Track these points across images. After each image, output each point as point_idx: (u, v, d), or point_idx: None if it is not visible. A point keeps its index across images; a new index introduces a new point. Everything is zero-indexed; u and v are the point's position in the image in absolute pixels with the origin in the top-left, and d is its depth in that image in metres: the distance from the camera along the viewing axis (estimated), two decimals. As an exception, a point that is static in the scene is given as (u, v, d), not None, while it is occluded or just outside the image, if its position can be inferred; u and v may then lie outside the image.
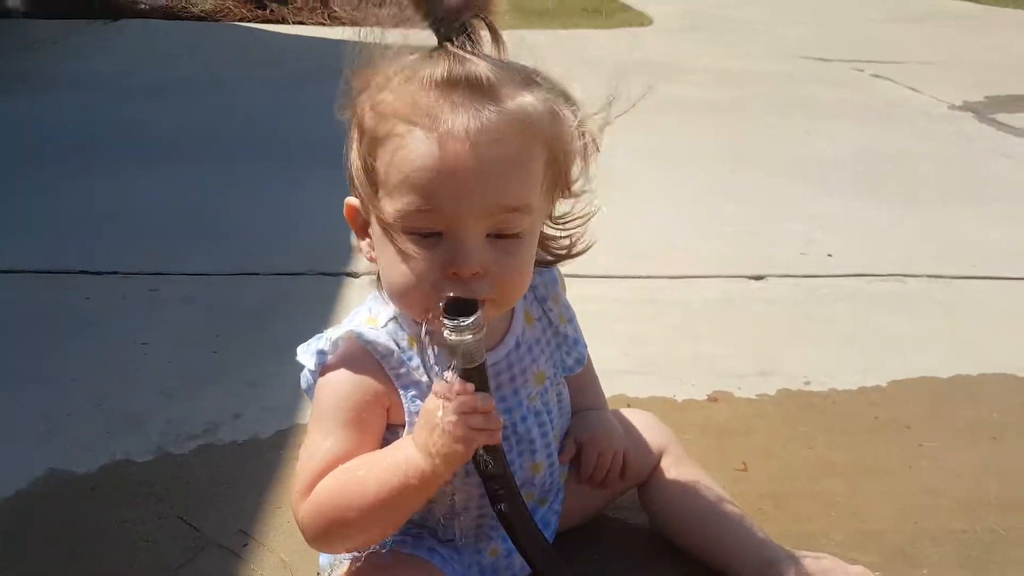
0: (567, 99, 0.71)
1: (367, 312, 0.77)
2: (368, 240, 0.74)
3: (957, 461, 1.07)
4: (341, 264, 1.65)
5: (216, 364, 1.29)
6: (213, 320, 1.44)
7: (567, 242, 0.79)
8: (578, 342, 0.85)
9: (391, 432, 0.75)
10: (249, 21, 4.96)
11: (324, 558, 0.83)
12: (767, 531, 0.86)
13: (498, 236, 0.68)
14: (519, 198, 0.68)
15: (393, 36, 0.71)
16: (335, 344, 0.75)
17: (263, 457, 1.06)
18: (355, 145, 0.71)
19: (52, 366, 1.27)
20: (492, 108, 0.66)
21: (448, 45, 0.68)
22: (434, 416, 0.66)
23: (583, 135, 0.72)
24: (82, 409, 1.16)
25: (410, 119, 0.66)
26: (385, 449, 0.72)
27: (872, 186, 2.17)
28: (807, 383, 1.25)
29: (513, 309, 0.79)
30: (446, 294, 0.67)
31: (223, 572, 0.87)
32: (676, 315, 1.47)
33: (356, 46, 0.70)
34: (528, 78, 0.69)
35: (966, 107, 3.04)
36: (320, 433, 0.73)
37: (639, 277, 1.61)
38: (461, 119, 0.65)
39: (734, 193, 2.12)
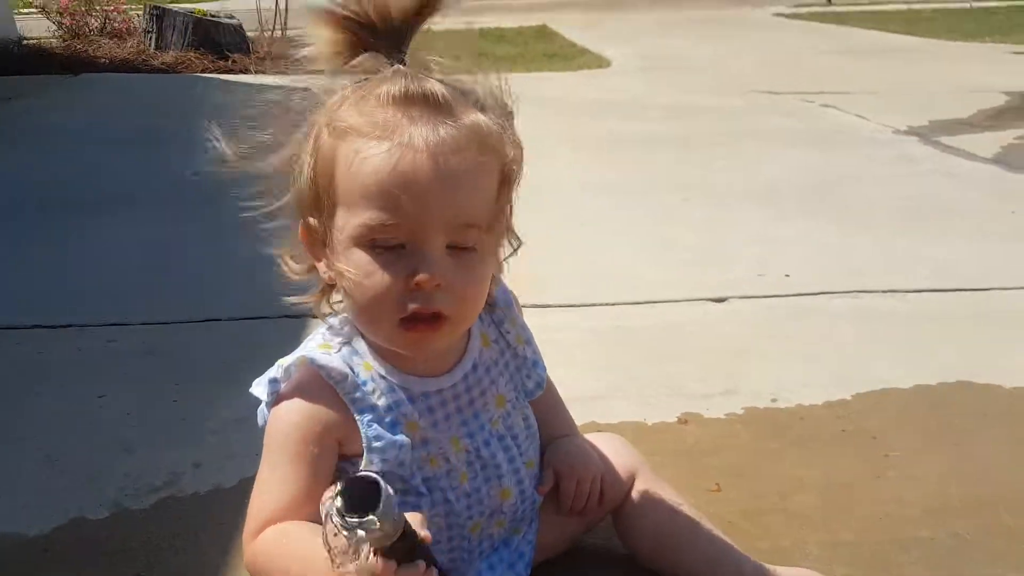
0: (511, 123, 0.73)
1: (320, 339, 0.77)
2: (324, 261, 0.73)
3: (922, 469, 1.08)
4: (304, 307, 1.63)
5: (176, 413, 1.25)
6: (173, 369, 1.41)
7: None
8: (537, 364, 0.85)
9: (350, 463, 0.73)
10: (211, 72, 4.98)
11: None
12: (743, 549, 0.86)
13: (457, 249, 0.69)
14: (476, 210, 0.70)
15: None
16: (287, 372, 0.74)
17: (227, 506, 1.02)
18: (308, 165, 0.71)
19: (0, 424, 1.23)
20: (449, 123, 0.67)
21: (400, 67, 0.70)
22: None
23: (519, 161, 0.74)
24: (33, 467, 1.11)
25: (369, 133, 0.67)
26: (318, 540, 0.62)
27: (823, 209, 2.23)
28: (774, 400, 1.26)
29: (469, 331, 0.78)
30: (410, 307, 0.68)
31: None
32: (641, 340, 1.48)
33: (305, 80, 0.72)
34: (478, 100, 0.72)
35: (911, 131, 3.17)
36: (269, 467, 0.72)
37: (602, 304, 1.62)
38: (421, 131, 0.66)
39: (690, 221, 2.16)
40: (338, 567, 0.58)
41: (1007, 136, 3.05)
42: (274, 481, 0.70)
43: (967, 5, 8.61)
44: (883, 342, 1.46)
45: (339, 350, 0.75)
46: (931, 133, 3.12)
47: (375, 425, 0.72)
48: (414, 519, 0.61)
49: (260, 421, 0.79)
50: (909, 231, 2.03)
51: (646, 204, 2.34)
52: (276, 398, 0.73)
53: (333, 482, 0.71)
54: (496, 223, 0.73)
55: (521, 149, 0.74)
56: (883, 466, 1.09)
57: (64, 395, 1.31)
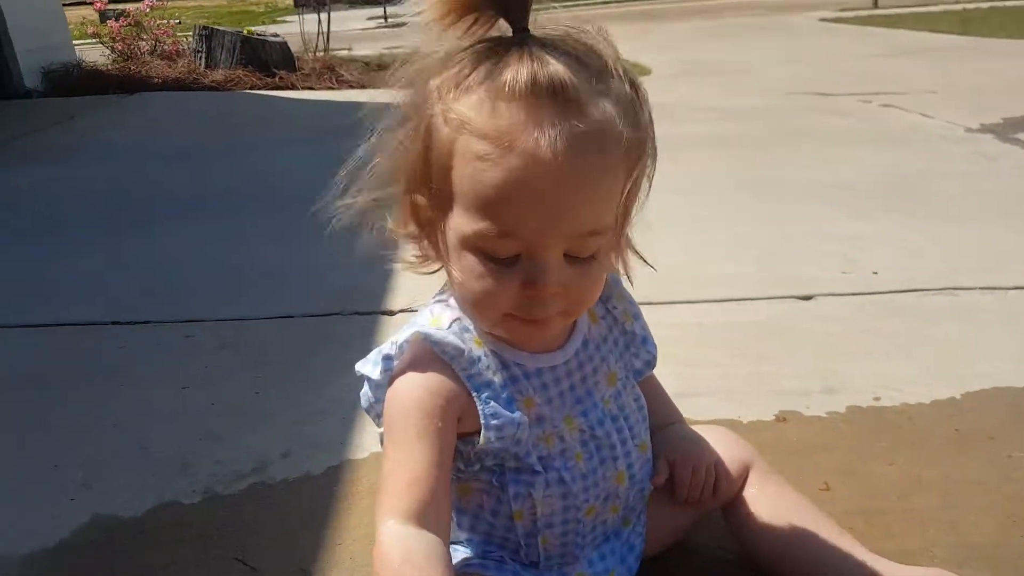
0: (636, 89, 0.66)
1: (428, 315, 0.73)
2: (428, 241, 0.69)
3: (1051, 471, 1.00)
4: (374, 304, 1.62)
5: (259, 405, 1.24)
6: (250, 363, 1.40)
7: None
8: (647, 340, 0.80)
9: (464, 442, 0.70)
10: (260, 88, 5.08)
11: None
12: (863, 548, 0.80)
13: (574, 256, 0.65)
14: (601, 217, 0.64)
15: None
16: (401, 348, 0.71)
17: (317, 494, 1.01)
18: (419, 142, 0.65)
19: (91, 414, 1.23)
20: (579, 123, 0.60)
21: (522, 43, 0.62)
22: None
23: (650, 138, 0.67)
24: (126, 454, 1.11)
25: (491, 137, 0.60)
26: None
27: (903, 206, 2.14)
28: (877, 399, 1.19)
29: None
30: (519, 312, 0.65)
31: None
32: (727, 337, 1.42)
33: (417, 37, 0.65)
34: (601, 71, 0.64)
35: (984, 129, 3.03)
36: (394, 446, 0.68)
37: (681, 303, 1.57)
38: (548, 137, 0.59)
39: (764, 219, 2.09)
40: None
41: (1090, 134, 2.90)
42: (400, 459, 0.66)
43: (1023, 3, 8.28)
44: (986, 340, 1.38)
45: (449, 326, 0.71)
46: (1006, 130, 2.98)
47: (492, 402, 0.69)
48: None
49: (364, 403, 0.76)
50: (1001, 228, 1.93)
51: (712, 202, 2.28)
52: (391, 377, 0.70)
53: (454, 458, 0.68)
54: (620, 223, 0.68)
55: (653, 135, 0.67)
56: (1008, 467, 1.01)
57: (149, 387, 1.32)
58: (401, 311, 1.59)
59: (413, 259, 0.73)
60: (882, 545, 0.87)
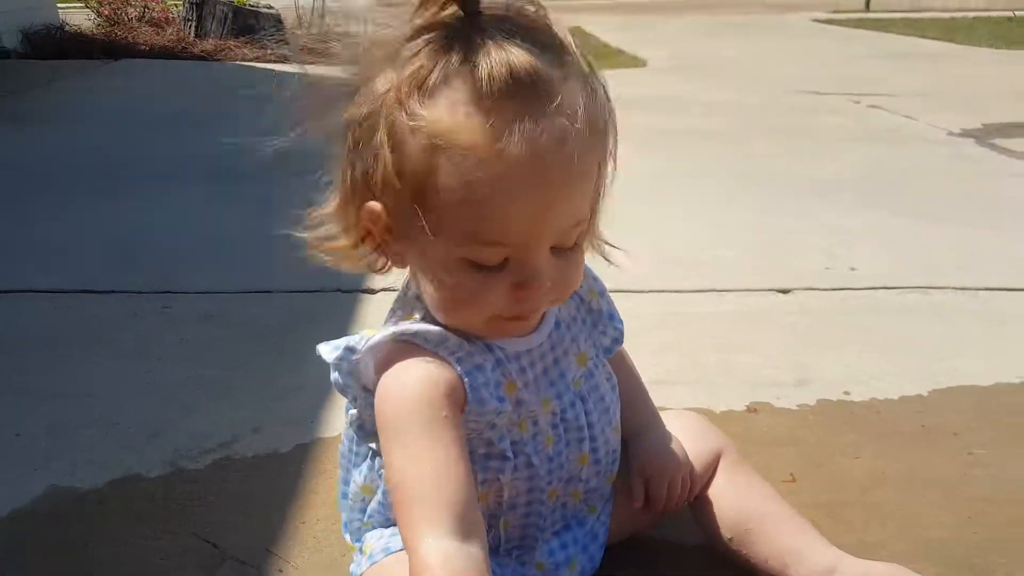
0: (590, 63, 0.63)
1: (395, 322, 0.69)
2: (390, 248, 0.66)
3: (1010, 469, 1.02)
4: (356, 282, 1.62)
5: (234, 379, 1.24)
6: (228, 337, 1.39)
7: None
8: (613, 316, 0.78)
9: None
10: (249, 60, 4.99)
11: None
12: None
13: (560, 248, 0.64)
14: (583, 208, 0.63)
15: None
16: (374, 349, 0.65)
17: (284, 471, 1.00)
18: (385, 155, 0.60)
19: (59, 384, 1.22)
20: (556, 115, 0.57)
21: (477, 19, 0.57)
22: None
23: (611, 112, 0.64)
24: (93, 425, 1.10)
25: (471, 147, 0.56)
26: None
27: (885, 204, 2.15)
28: (847, 393, 1.20)
29: None
30: (509, 312, 0.64)
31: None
32: (704, 327, 1.43)
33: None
34: (559, 49, 0.60)
35: (965, 133, 3.05)
36: (401, 447, 0.62)
37: (661, 291, 1.58)
38: (531, 138, 0.56)
39: (749, 212, 2.10)
40: None
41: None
42: (413, 461, 0.60)
43: (1010, 14, 8.32)
44: (959, 339, 1.39)
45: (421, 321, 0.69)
46: (986, 135, 3.01)
47: (481, 388, 0.66)
48: None
49: (335, 382, 0.75)
50: (980, 229, 1.95)
51: (698, 190, 2.28)
52: (377, 373, 0.66)
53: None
54: (596, 208, 0.67)
55: (613, 114, 0.65)
56: (968, 463, 1.03)
57: (121, 357, 1.31)
58: (383, 290, 1.58)
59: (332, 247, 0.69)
60: (842, 538, 0.88)
